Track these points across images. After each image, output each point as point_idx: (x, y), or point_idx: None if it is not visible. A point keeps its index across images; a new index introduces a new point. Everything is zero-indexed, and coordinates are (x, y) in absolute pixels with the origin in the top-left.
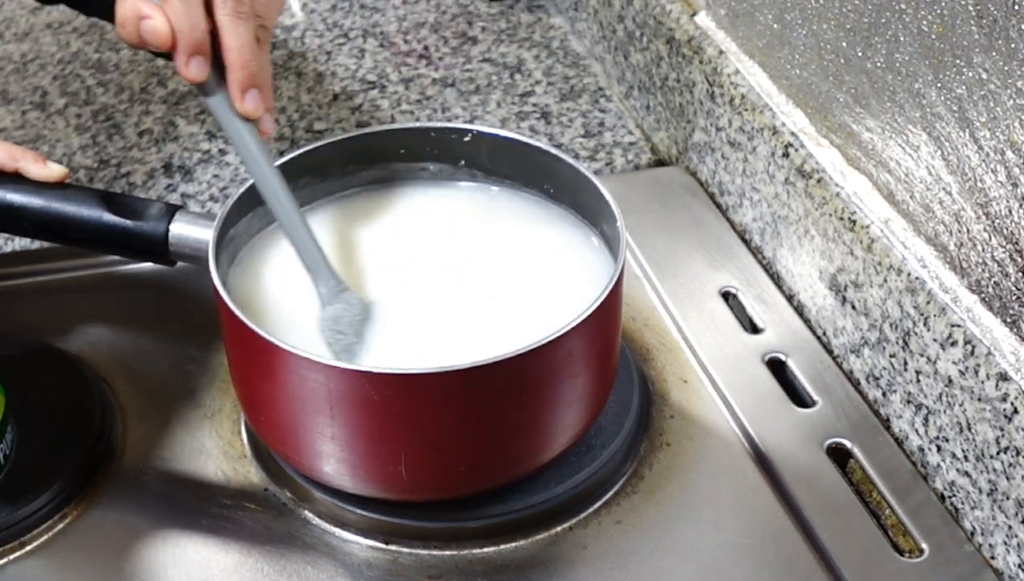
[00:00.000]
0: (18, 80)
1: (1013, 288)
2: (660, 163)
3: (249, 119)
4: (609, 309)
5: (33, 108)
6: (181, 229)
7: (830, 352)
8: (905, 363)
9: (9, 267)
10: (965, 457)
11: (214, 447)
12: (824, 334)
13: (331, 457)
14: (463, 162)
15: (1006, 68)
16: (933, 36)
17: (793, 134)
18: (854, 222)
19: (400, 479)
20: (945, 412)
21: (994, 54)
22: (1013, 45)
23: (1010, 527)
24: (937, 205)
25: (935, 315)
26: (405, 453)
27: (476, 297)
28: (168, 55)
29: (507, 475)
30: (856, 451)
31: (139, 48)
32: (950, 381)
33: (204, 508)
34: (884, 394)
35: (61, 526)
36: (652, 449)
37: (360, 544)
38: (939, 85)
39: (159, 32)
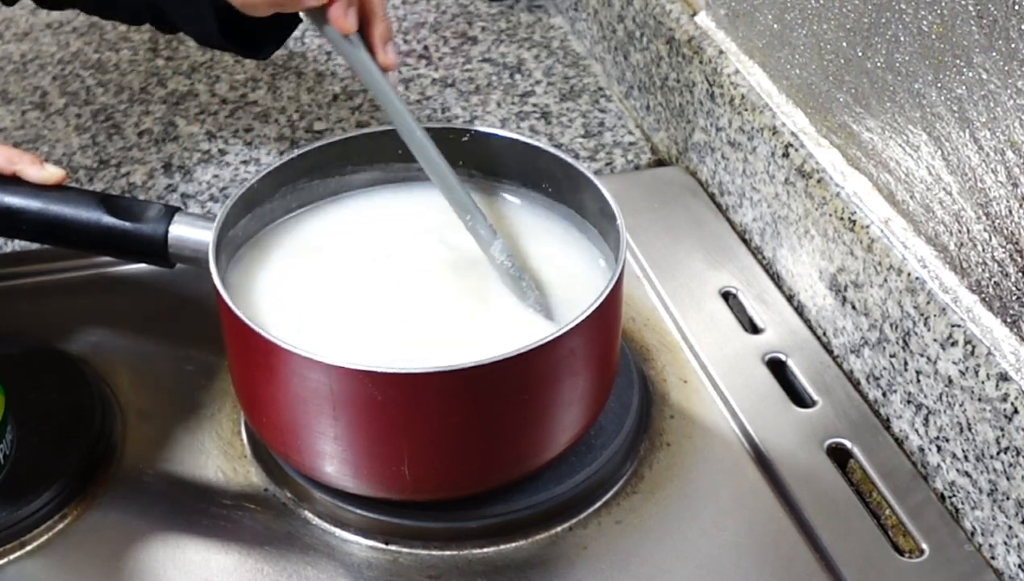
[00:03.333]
0: (18, 80)
1: (1013, 288)
2: (660, 163)
3: (386, 69)
4: (609, 309)
5: (33, 108)
6: (180, 231)
7: (830, 352)
8: (905, 363)
9: (9, 267)
10: (965, 457)
11: (214, 447)
12: (824, 334)
13: (334, 458)
14: (462, 162)
15: (1006, 68)
16: (933, 36)
17: (793, 134)
18: (854, 222)
19: (403, 479)
20: (945, 412)
21: (994, 54)
22: (1013, 45)
23: (1010, 527)
24: (937, 205)
25: (935, 315)
26: (408, 453)
27: (476, 297)
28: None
29: (508, 475)
30: (856, 451)
31: (287, 7)
32: (950, 381)
33: (204, 508)
34: (884, 394)
35: (61, 526)
36: (652, 449)
37: (360, 544)
38: (939, 85)
39: None
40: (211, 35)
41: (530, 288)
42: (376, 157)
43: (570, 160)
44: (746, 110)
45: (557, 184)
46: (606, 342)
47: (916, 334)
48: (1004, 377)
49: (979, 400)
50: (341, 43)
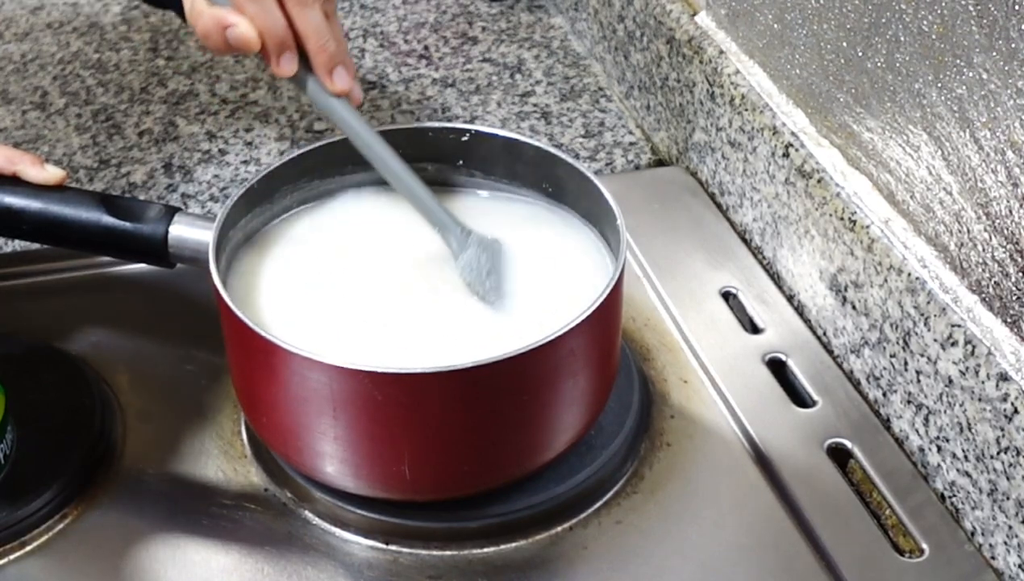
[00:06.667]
0: (18, 80)
1: (1013, 288)
2: (660, 163)
3: (340, 95)
4: (609, 309)
5: (33, 108)
6: (180, 231)
7: (830, 352)
8: (905, 363)
9: (9, 267)
10: (965, 457)
11: (214, 447)
12: (824, 334)
13: (334, 458)
14: (462, 162)
15: (1006, 68)
16: (933, 36)
17: (793, 134)
18: (854, 222)
19: (403, 479)
20: (945, 412)
21: (994, 54)
22: (1013, 45)
23: (1010, 527)
24: (937, 205)
25: (935, 315)
26: (408, 453)
27: (475, 298)
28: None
29: (508, 475)
30: (856, 451)
31: (224, 54)
32: (950, 381)
33: (204, 508)
34: (884, 394)
35: (61, 526)
36: (652, 449)
37: (360, 544)
38: (939, 85)
39: (248, 38)
40: None
41: (490, 300)
42: None
43: (570, 160)
44: (746, 110)
45: (557, 184)
46: (606, 342)
47: (916, 334)
48: (1004, 377)
49: (979, 400)
50: (293, 81)
